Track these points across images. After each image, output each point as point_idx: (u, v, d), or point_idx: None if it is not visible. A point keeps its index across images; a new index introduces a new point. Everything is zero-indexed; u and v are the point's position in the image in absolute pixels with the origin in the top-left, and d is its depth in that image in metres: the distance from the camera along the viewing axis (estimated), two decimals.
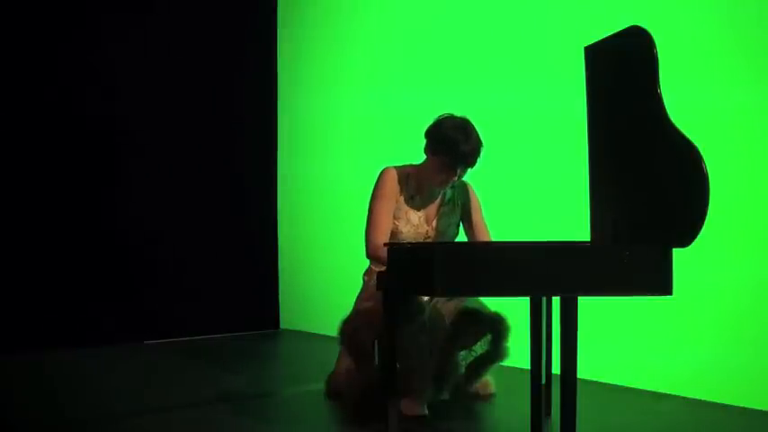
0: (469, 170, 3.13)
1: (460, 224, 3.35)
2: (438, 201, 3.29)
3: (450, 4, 4.55)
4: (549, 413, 2.92)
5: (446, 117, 3.13)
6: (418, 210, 3.25)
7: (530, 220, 3.93)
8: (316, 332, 5.30)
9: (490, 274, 2.09)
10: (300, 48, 5.70)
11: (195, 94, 5.28)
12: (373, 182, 3.25)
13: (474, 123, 3.11)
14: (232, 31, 5.53)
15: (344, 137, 5.30)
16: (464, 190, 3.34)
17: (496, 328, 3.16)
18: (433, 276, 2.07)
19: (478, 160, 3.09)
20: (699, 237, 2.03)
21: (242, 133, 5.60)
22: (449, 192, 3.30)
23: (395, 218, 3.22)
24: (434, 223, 3.27)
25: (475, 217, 3.34)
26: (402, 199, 3.23)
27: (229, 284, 5.46)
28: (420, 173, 3.22)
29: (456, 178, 3.15)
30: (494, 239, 3.35)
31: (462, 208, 3.33)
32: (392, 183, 3.21)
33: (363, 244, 3.24)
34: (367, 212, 3.21)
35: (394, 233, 3.21)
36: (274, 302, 5.78)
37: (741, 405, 3.14)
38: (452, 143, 3.03)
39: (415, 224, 3.23)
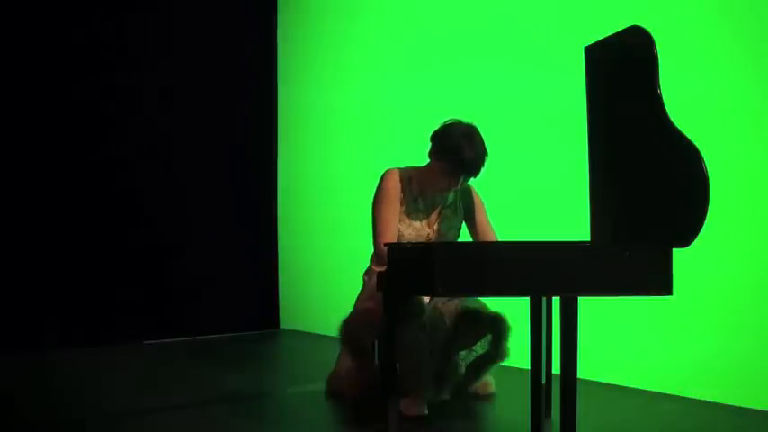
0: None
1: (462, 227, 3.34)
2: (440, 204, 3.28)
3: (450, 5, 4.55)
4: (549, 413, 2.92)
5: (453, 123, 3.11)
6: (420, 213, 3.24)
7: (530, 220, 3.93)
8: (316, 332, 5.30)
9: (490, 274, 2.09)
10: (300, 47, 5.70)
11: (195, 94, 5.28)
12: (374, 181, 3.25)
13: (479, 128, 3.09)
14: (232, 32, 5.53)
15: (344, 136, 5.30)
16: (467, 192, 3.34)
17: (497, 328, 3.15)
18: (433, 276, 2.07)
19: (482, 169, 3.08)
20: (699, 237, 2.03)
21: (241, 133, 5.60)
22: (451, 195, 3.29)
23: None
24: (436, 226, 3.27)
25: (479, 219, 3.33)
26: (404, 201, 3.22)
27: (229, 284, 5.46)
28: (422, 176, 3.22)
29: (458, 186, 3.15)
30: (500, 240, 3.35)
31: (465, 210, 3.32)
32: (395, 185, 3.20)
33: (365, 245, 3.25)
34: (372, 217, 3.20)
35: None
36: (274, 302, 5.78)
37: (741, 405, 3.14)
38: (456, 151, 3.02)
39: (417, 227, 3.23)
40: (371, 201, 3.23)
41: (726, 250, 3.20)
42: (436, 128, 3.15)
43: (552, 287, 2.12)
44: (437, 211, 3.28)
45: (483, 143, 3.06)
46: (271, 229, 5.80)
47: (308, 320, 5.48)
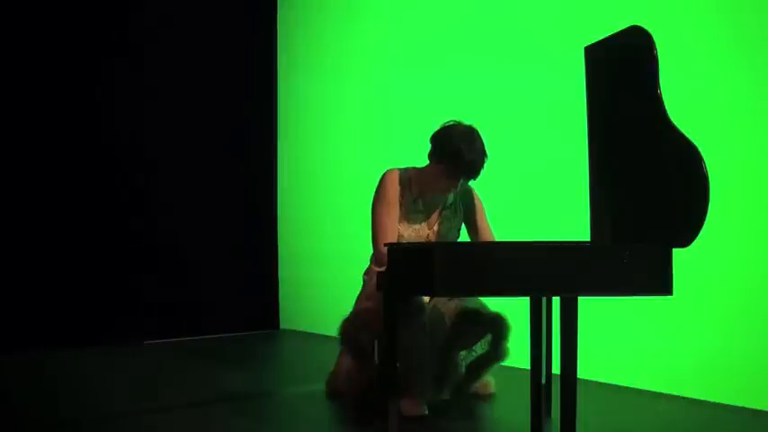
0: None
1: (461, 228, 3.34)
2: (440, 205, 3.28)
3: (450, 5, 4.55)
4: (549, 413, 2.92)
5: (452, 124, 3.10)
6: (420, 214, 3.24)
7: (530, 220, 3.93)
8: (316, 332, 5.30)
9: (490, 274, 2.09)
10: (300, 46, 5.69)
11: (195, 94, 5.29)
12: (374, 181, 3.25)
13: (479, 129, 3.08)
14: (232, 30, 5.53)
15: (345, 136, 5.30)
16: (467, 193, 3.33)
17: (497, 328, 3.16)
18: (433, 276, 2.07)
19: (482, 172, 3.08)
20: (699, 237, 2.03)
21: (241, 133, 5.60)
22: (451, 196, 3.29)
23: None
24: (436, 227, 3.27)
25: (479, 220, 3.32)
26: (404, 202, 3.22)
27: (229, 284, 5.46)
28: (422, 177, 3.21)
29: (458, 188, 3.15)
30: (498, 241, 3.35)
31: (465, 211, 3.32)
32: (394, 186, 3.20)
33: (365, 245, 3.24)
34: (371, 217, 3.20)
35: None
36: (274, 302, 5.78)
37: (741, 405, 3.14)
38: (456, 154, 3.01)
39: (417, 228, 3.23)
40: (371, 201, 3.23)
41: (726, 250, 3.20)
42: (436, 129, 3.14)
43: (552, 287, 2.12)
44: (437, 212, 3.28)
45: (483, 145, 3.05)
46: (271, 229, 5.80)
47: (308, 320, 5.48)
